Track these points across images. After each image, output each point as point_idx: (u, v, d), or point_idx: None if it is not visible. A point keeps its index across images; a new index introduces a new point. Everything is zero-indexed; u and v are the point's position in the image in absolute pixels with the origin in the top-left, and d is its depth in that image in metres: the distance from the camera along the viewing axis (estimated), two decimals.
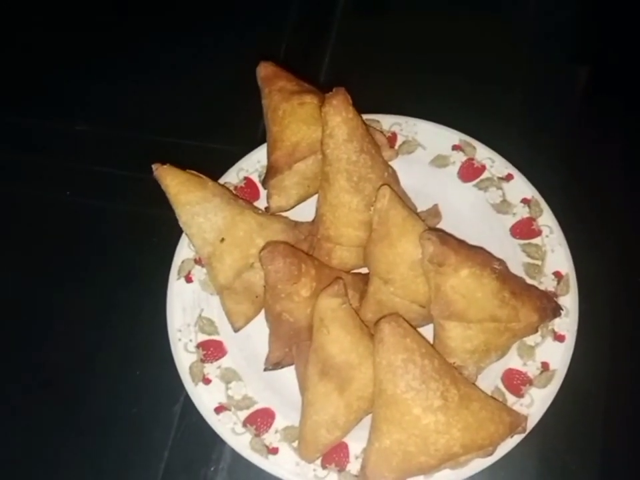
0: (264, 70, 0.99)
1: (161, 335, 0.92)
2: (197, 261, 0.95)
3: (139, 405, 0.95)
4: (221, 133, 1.13)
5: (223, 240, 0.88)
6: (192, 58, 1.23)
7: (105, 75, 1.23)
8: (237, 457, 0.87)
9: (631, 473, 0.87)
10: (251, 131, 1.09)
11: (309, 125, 0.92)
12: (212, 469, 0.90)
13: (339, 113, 0.84)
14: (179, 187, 0.88)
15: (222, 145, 1.09)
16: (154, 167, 0.88)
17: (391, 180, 0.90)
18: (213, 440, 0.89)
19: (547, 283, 0.90)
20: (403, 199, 0.88)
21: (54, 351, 0.99)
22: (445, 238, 0.79)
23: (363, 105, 0.89)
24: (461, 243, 0.83)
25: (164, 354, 0.91)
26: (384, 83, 1.14)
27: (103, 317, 1.01)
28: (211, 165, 0.99)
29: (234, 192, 0.98)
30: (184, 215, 0.88)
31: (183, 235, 0.95)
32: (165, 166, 0.88)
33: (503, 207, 0.96)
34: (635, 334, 0.93)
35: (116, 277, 1.04)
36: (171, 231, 0.96)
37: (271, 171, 0.93)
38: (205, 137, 1.13)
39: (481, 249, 0.86)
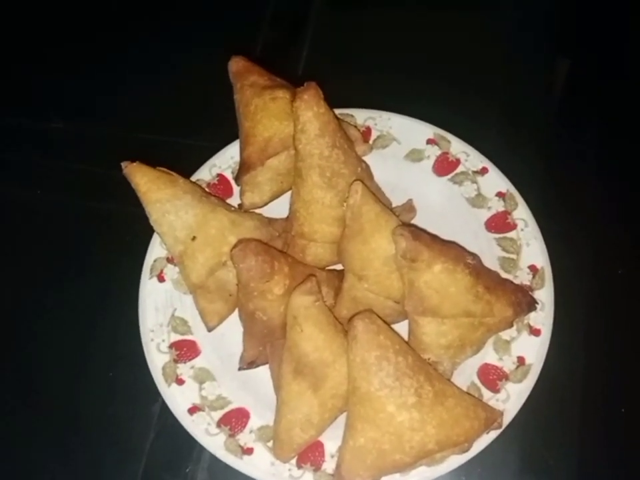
0: (235, 65, 0.97)
1: (135, 335, 0.91)
2: (170, 260, 0.94)
3: (115, 406, 0.93)
4: (195, 129, 1.11)
5: (194, 238, 0.87)
6: (166, 54, 1.22)
7: (79, 72, 1.22)
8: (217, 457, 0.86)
9: (608, 465, 0.87)
10: (225, 127, 1.08)
11: (281, 120, 0.90)
12: (191, 468, 0.89)
13: (310, 108, 0.83)
14: (149, 185, 0.86)
15: (196, 141, 1.08)
16: (123, 164, 0.87)
17: (365, 175, 0.89)
18: (193, 439, 0.87)
19: (522, 277, 0.89)
20: (376, 194, 0.87)
21: (26, 353, 0.98)
22: (418, 233, 0.79)
23: (339, 100, 0.88)
24: (434, 238, 0.82)
25: (140, 354, 0.90)
26: (361, 78, 1.13)
27: (76, 317, 0.99)
28: (185, 162, 0.98)
29: (207, 189, 0.97)
30: (154, 213, 0.87)
31: (155, 233, 0.94)
32: (134, 164, 0.87)
33: (477, 200, 0.95)
34: (610, 327, 0.93)
35: (88, 276, 1.02)
36: (145, 230, 0.94)
37: (244, 167, 0.92)
38: (178, 133, 1.11)
39: (455, 243, 0.85)
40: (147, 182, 0.86)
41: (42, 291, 1.02)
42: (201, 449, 0.88)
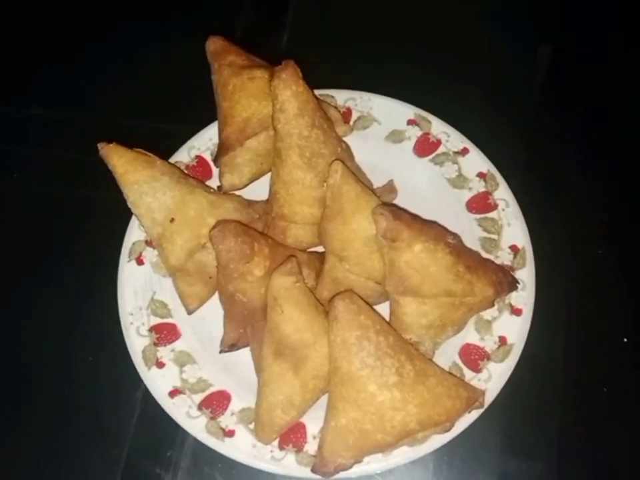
0: (213, 45, 0.96)
1: (116, 319, 0.90)
2: (148, 243, 0.93)
3: (96, 390, 0.93)
4: (174, 112, 1.09)
5: (172, 220, 0.86)
6: (146, 38, 1.19)
7: (56, 57, 1.19)
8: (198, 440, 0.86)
9: (589, 445, 0.87)
10: (205, 111, 1.06)
11: (259, 100, 0.89)
12: (174, 453, 0.88)
13: (288, 87, 0.82)
14: (126, 166, 0.85)
15: (174, 125, 1.05)
16: (99, 146, 0.86)
17: (345, 155, 0.88)
18: (175, 424, 0.87)
19: (503, 257, 0.89)
20: (357, 174, 0.86)
21: (7, 339, 0.97)
22: (398, 213, 0.78)
23: (320, 81, 0.87)
24: (415, 217, 0.82)
25: (119, 339, 0.89)
26: (343, 60, 1.12)
27: (53, 303, 0.98)
28: (165, 145, 0.97)
29: (186, 171, 0.96)
30: (132, 195, 0.86)
31: (133, 216, 0.93)
32: (110, 145, 0.86)
33: (458, 181, 0.95)
34: (590, 307, 0.93)
35: (65, 261, 1.01)
36: (122, 214, 0.93)
37: (223, 148, 0.91)
38: (157, 117, 1.09)
39: (435, 223, 0.85)
40: (123, 163, 0.85)
41: (22, 278, 1.01)
42: (184, 434, 0.88)
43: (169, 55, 1.16)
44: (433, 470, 0.85)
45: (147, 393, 0.89)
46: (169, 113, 1.10)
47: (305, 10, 1.21)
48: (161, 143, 0.96)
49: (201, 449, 0.87)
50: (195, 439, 0.86)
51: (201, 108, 1.06)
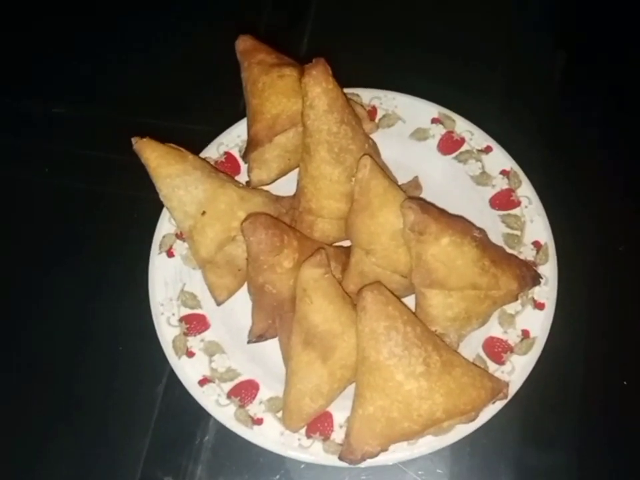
0: (243, 43, 0.98)
1: (143, 312, 0.92)
2: (179, 236, 0.95)
3: (121, 381, 0.94)
4: (201, 111, 1.12)
5: (204, 213, 0.88)
6: (168, 36, 1.22)
7: (80, 56, 1.21)
8: (221, 432, 0.88)
9: (609, 437, 0.89)
10: (231, 109, 1.08)
11: (289, 97, 0.91)
12: (196, 443, 0.90)
13: (318, 84, 0.84)
14: (159, 160, 0.87)
15: (202, 126, 1.07)
16: (133, 140, 0.87)
17: (372, 152, 0.90)
18: (197, 415, 0.89)
19: (526, 253, 0.91)
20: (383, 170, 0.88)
21: (34, 330, 0.99)
22: (426, 206, 0.80)
23: (343, 78, 0.88)
24: (442, 211, 0.83)
25: (146, 330, 0.91)
26: (364, 56, 1.14)
27: (85, 295, 1.00)
28: (192, 144, 0.97)
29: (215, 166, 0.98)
30: (164, 188, 0.88)
31: (164, 209, 0.95)
32: (144, 139, 0.87)
33: (482, 178, 0.96)
34: (612, 303, 0.95)
35: (96, 254, 1.03)
36: (150, 210, 0.96)
37: (252, 144, 0.93)
38: (184, 116, 1.11)
39: (461, 217, 0.86)
40: (156, 157, 0.87)
41: (51, 271, 1.03)
42: (205, 425, 0.90)
43: (193, 53, 1.18)
44: (455, 459, 0.87)
45: (168, 384, 0.92)
46: (194, 111, 1.12)
47: (326, 8, 1.22)
48: (185, 142, 0.98)
49: (221, 440, 0.89)
50: (216, 433, 0.88)
51: (225, 107, 1.08)
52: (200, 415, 0.89)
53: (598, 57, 1.14)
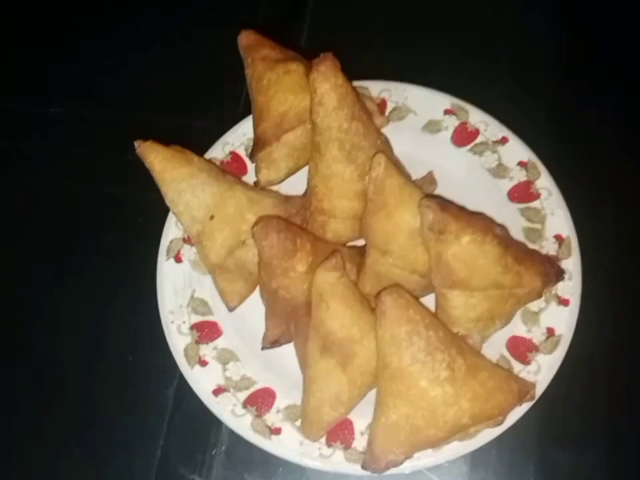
0: (246, 39, 0.94)
1: (152, 319, 0.90)
2: (186, 240, 0.92)
3: (132, 390, 0.92)
4: (204, 108, 1.08)
5: (212, 217, 0.85)
6: (168, 32, 1.18)
7: (78, 54, 1.18)
8: (234, 440, 0.86)
9: (636, 436, 0.86)
10: (236, 106, 1.05)
11: (296, 94, 0.88)
12: (210, 453, 0.88)
13: (327, 80, 0.81)
14: (164, 164, 0.84)
15: (206, 122, 1.04)
16: (136, 143, 0.85)
17: (384, 148, 0.87)
18: (209, 424, 0.88)
19: (548, 247, 0.88)
20: (397, 166, 0.85)
21: (41, 339, 0.97)
22: (445, 204, 0.77)
23: (347, 72, 0.85)
24: (461, 209, 0.81)
25: (154, 338, 0.89)
26: (365, 49, 1.09)
27: (91, 304, 0.98)
28: (192, 144, 0.95)
29: (221, 167, 0.95)
30: (170, 193, 0.85)
31: (170, 213, 0.92)
32: (147, 142, 0.85)
33: (499, 171, 0.93)
34: (637, 294, 0.92)
35: (102, 261, 1.00)
36: (155, 212, 0.93)
37: (259, 144, 0.90)
38: (186, 114, 1.08)
39: (482, 214, 0.84)
40: (161, 160, 0.84)
41: (55, 279, 1.00)
42: (218, 433, 0.88)
43: (191, 49, 1.15)
44: (481, 461, 0.85)
45: (178, 392, 0.90)
46: (197, 109, 1.09)
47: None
48: (189, 141, 0.94)
49: (235, 447, 0.87)
50: (229, 439, 0.86)
51: (229, 104, 1.05)
52: (213, 422, 0.87)
53: (611, 41, 1.10)
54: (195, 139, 0.96)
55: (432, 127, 0.97)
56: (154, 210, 0.93)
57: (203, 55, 1.14)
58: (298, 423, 0.82)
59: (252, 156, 0.92)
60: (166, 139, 0.87)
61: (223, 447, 0.88)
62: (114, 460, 0.89)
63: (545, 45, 1.12)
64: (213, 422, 0.87)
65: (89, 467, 0.89)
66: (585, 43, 1.11)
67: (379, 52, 1.10)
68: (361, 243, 0.88)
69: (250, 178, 0.95)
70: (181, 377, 0.87)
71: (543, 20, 1.14)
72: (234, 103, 1.06)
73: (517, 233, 0.88)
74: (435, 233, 0.76)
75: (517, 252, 0.80)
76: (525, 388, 0.78)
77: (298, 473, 0.85)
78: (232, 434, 0.85)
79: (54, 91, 1.15)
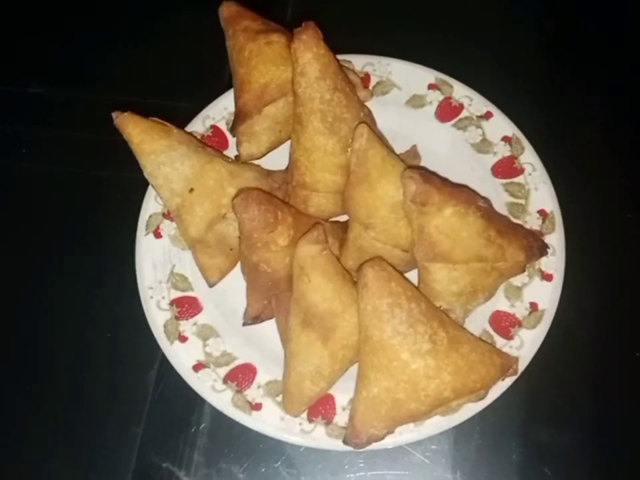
0: (227, 10, 0.93)
1: (132, 296, 0.88)
2: (166, 215, 0.90)
3: (112, 368, 0.91)
4: (185, 85, 1.07)
5: (192, 190, 0.83)
6: (148, 10, 1.16)
7: (57, 34, 1.16)
8: (217, 418, 0.85)
9: (621, 411, 0.86)
10: (217, 81, 1.03)
11: (277, 65, 0.86)
12: (192, 430, 0.86)
13: (309, 49, 0.79)
14: (142, 136, 0.83)
15: (188, 101, 1.01)
16: (114, 115, 0.83)
17: (368, 120, 0.86)
18: (192, 401, 0.86)
19: (531, 222, 0.87)
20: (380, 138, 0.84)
21: (20, 319, 0.94)
22: (428, 176, 0.76)
23: (331, 45, 0.83)
24: (444, 180, 0.79)
25: (135, 315, 0.87)
26: (351, 23, 1.09)
27: (70, 281, 0.96)
28: (178, 121, 0.93)
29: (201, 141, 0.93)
30: (149, 165, 0.83)
31: (149, 188, 0.90)
32: (125, 113, 0.83)
33: (483, 146, 0.92)
34: (620, 271, 0.92)
35: (80, 238, 0.98)
36: (134, 191, 0.92)
37: (240, 116, 0.88)
38: (167, 92, 1.06)
39: (465, 186, 0.83)
40: (139, 132, 0.83)
41: (33, 258, 0.98)
42: (200, 411, 0.87)
43: (173, 28, 1.13)
44: (464, 438, 0.84)
45: (160, 371, 0.89)
46: (178, 88, 1.07)
47: None
48: (171, 118, 0.92)
49: (218, 425, 0.86)
50: (212, 419, 0.85)
51: (210, 79, 1.03)
52: (195, 400, 0.85)
53: (595, 20, 1.10)
54: (178, 118, 0.94)
55: (416, 101, 0.96)
56: (132, 187, 0.92)
57: (184, 29, 1.12)
58: (279, 398, 0.81)
59: (233, 129, 0.91)
60: (146, 116, 0.85)
61: (206, 426, 0.87)
62: (97, 437, 0.88)
63: (531, 25, 1.11)
64: (195, 399, 0.85)
65: (70, 447, 0.88)
66: (570, 23, 1.11)
67: (365, 29, 1.09)
68: (343, 218, 0.87)
69: (232, 152, 0.94)
70: (164, 357, 0.85)
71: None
72: (216, 77, 1.04)
73: (500, 209, 0.87)
74: (417, 205, 0.75)
75: (500, 225, 0.79)
76: (507, 362, 0.77)
77: (278, 450, 0.84)
78: (215, 413, 0.84)
79: (33, 72, 1.13)
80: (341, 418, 0.80)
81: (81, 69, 1.12)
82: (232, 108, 0.93)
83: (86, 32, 1.15)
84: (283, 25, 0.92)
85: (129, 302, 0.89)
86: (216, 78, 1.03)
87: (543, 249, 0.83)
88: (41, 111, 1.09)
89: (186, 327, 0.85)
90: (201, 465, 0.85)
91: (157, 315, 0.85)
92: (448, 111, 0.94)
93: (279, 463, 0.84)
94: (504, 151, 0.91)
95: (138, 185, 0.87)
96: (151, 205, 0.91)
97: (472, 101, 0.94)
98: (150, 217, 0.90)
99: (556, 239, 0.86)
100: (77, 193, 1.02)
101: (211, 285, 0.87)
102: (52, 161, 1.04)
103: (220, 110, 0.96)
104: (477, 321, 0.83)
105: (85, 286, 0.95)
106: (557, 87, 1.05)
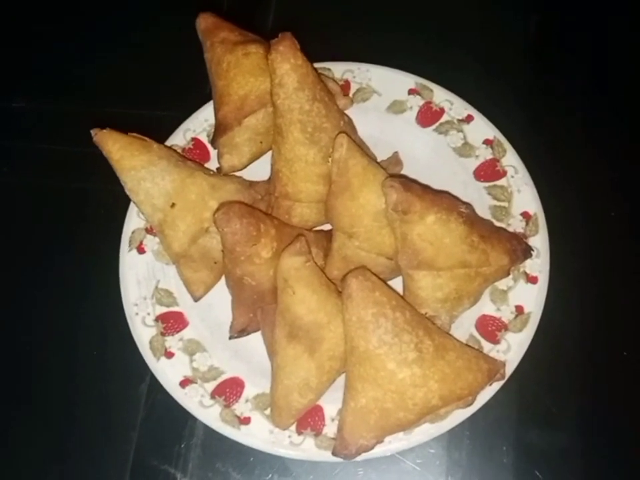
0: (204, 22, 0.92)
1: (118, 311, 0.88)
2: (149, 230, 0.90)
3: (102, 385, 0.90)
4: (166, 97, 1.06)
5: (173, 205, 0.83)
6: (128, 21, 1.16)
7: (37, 47, 1.15)
8: (210, 431, 0.84)
9: (610, 411, 0.86)
10: (197, 93, 1.03)
11: (256, 77, 0.86)
12: (184, 445, 0.86)
13: (286, 60, 0.79)
14: (122, 152, 0.82)
15: (167, 112, 1.01)
16: (93, 132, 0.83)
17: (348, 129, 0.86)
18: (184, 416, 0.85)
19: (515, 225, 0.87)
20: (361, 147, 0.83)
21: (11, 334, 0.94)
22: (409, 184, 0.76)
23: (312, 55, 0.83)
24: (425, 188, 0.79)
25: (123, 331, 0.87)
26: (333, 32, 1.09)
27: (55, 297, 0.95)
28: (160, 134, 0.93)
29: (182, 154, 0.92)
30: (129, 182, 0.83)
31: (132, 204, 0.90)
32: (104, 130, 0.83)
33: (464, 149, 0.92)
34: (606, 270, 0.91)
35: (64, 254, 0.98)
36: (117, 204, 0.91)
37: (220, 128, 0.88)
38: (148, 103, 1.06)
39: (447, 193, 0.82)
40: (119, 149, 0.82)
41: (21, 273, 0.98)
42: (193, 425, 0.86)
43: (155, 38, 1.13)
44: (454, 444, 0.84)
45: (152, 385, 0.88)
46: (159, 99, 1.07)
47: None
48: (153, 129, 0.92)
49: (210, 440, 0.85)
50: (204, 431, 0.85)
51: (192, 91, 1.03)
52: (186, 414, 0.84)
53: (575, 22, 1.09)
54: (159, 129, 0.94)
55: (396, 107, 0.95)
56: (116, 201, 0.91)
57: (163, 42, 1.12)
58: (268, 411, 0.81)
59: (214, 141, 0.91)
60: (127, 128, 0.85)
61: (197, 439, 0.86)
62: (89, 454, 0.87)
63: (512, 27, 1.11)
64: (187, 414, 0.84)
65: (62, 463, 0.88)
66: (552, 24, 1.10)
67: (347, 36, 1.08)
68: (327, 227, 0.87)
69: (213, 164, 0.94)
70: None
71: (511, 1, 1.13)
72: (196, 89, 1.04)
73: (484, 212, 0.87)
74: (399, 213, 0.75)
75: (483, 230, 0.79)
76: (494, 367, 0.77)
77: (271, 461, 0.84)
78: (206, 428, 0.83)
79: (17, 86, 1.12)
80: (330, 429, 0.79)
81: (62, 81, 1.12)
82: (212, 120, 0.92)
83: (66, 43, 1.14)
84: (265, 33, 0.92)
85: (118, 315, 0.88)
86: (198, 87, 1.02)
87: (526, 252, 0.83)
88: (24, 124, 1.09)
89: (172, 342, 0.85)
90: (194, 477, 0.85)
91: (143, 331, 0.85)
92: (429, 116, 0.94)
93: (270, 475, 0.84)
94: (486, 154, 0.91)
95: (123, 197, 0.86)
96: (133, 221, 0.90)
97: (452, 105, 0.94)
98: (133, 232, 0.90)
99: (540, 241, 0.85)
100: (64, 206, 1.02)
101: (196, 299, 0.87)
102: (35, 175, 1.04)
103: (200, 122, 0.96)
104: (464, 326, 0.83)
105: (72, 300, 0.95)
106: (540, 88, 1.04)
